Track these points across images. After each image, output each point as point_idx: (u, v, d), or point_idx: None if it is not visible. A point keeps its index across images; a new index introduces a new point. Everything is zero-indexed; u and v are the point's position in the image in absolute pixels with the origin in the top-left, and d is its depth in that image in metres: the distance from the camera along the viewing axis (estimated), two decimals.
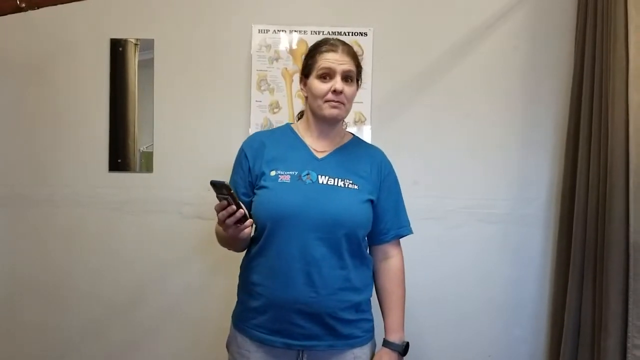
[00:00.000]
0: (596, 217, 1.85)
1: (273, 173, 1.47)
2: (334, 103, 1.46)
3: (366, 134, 2.12)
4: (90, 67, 2.15)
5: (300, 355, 1.47)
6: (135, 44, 2.16)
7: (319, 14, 2.13)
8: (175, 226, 2.16)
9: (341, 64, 1.45)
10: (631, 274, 1.68)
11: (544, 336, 2.16)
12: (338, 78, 1.45)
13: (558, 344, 2.02)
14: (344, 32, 2.11)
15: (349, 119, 2.11)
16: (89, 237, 2.18)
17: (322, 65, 1.46)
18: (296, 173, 1.46)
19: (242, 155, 1.55)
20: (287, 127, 1.61)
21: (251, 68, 2.13)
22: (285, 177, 1.45)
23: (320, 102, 1.47)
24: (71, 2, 1.75)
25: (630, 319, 1.68)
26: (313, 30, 2.11)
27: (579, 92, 1.99)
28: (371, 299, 1.57)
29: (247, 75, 2.14)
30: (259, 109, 2.14)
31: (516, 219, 2.15)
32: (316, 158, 1.51)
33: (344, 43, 1.50)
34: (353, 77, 1.49)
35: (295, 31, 2.12)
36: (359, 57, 1.54)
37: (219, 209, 1.35)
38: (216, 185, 1.30)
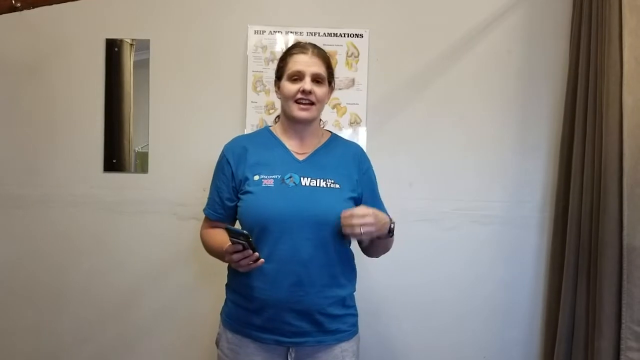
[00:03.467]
0: (590, 219, 1.86)
1: (257, 178, 1.51)
2: (303, 105, 1.51)
3: (361, 136, 2.13)
4: (86, 67, 2.15)
5: (290, 351, 1.51)
6: (131, 44, 2.15)
7: (315, 15, 2.13)
8: (170, 227, 2.16)
9: (310, 66, 1.51)
10: (625, 275, 1.69)
11: (538, 337, 2.17)
12: (307, 79, 1.50)
13: (552, 346, 2.03)
14: (340, 34, 2.11)
15: (344, 120, 2.12)
16: (83, 237, 2.17)
17: (292, 68, 1.52)
18: (279, 176, 1.50)
19: (223, 161, 1.58)
20: (266, 130, 1.64)
21: (247, 69, 2.13)
22: (269, 182, 1.49)
23: (290, 103, 1.52)
24: (67, 1, 1.74)
25: (624, 320, 1.69)
26: (309, 31, 2.11)
27: (573, 95, 2.00)
28: (355, 294, 1.61)
29: (243, 76, 2.14)
30: (254, 110, 2.14)
31: (511, 220, 2.15)
32: (297, 160, 1.55)
33: (314, 46, 1.56)
34: (323, 78, 1.53)
35: (291, 32, 2.12)
36: (332, 61, 1.61)
37: (231, 251, 1.39)
38: (233, 232, 1.34)
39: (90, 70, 2.15)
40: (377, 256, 1.64)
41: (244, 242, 1.35)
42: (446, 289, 2.16)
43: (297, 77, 1.51)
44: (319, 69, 1.52)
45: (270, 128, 1.64)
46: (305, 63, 1.50)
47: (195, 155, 2.14)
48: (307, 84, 1.49)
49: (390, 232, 1.49)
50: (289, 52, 1.56)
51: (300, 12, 2.14)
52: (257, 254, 1.38)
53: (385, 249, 1.60)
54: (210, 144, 2.11)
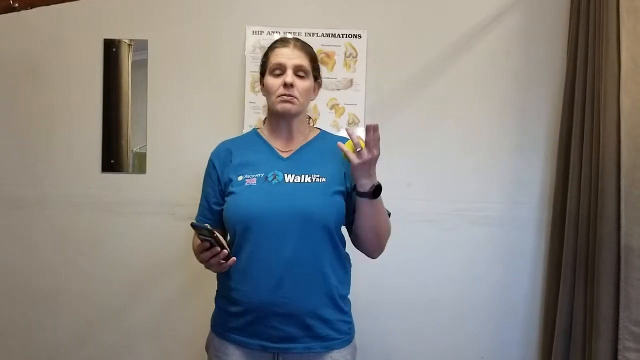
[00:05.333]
0: (588, 220, 1.86)
1: (240, 178, 1.48)
2: (285, 97, 1.47)
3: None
4: (84, 68, 2.15)
5: (276, 358, 1.46)
6: (129, 45, 2.15)
7: (313, 15, 2.13)
8: (168, 227, 2.15)
9: (292, 59, 1.47)
10: (622, 276, 1.69)
11: (536, 338, 2.17)
12: (289, 72, 1.46)
13: (550, 346, 2.03)
14: (338, 34, 2.11)
15: (342, 121, 2.12)
16: (81, 238, 2.17)
17: (273, 61, 1.49)
18: (262, 175, 1.47)
19: (210, 165, 1.57)
20: (253, 132, 1.62)
21: (245, 69, 2.13)
22: (252, 181, 1.46)
23: (273, 97, 1.49)
24: (65, 2, 1.74)
25: (621, 321, 1.70)
26: (307, 32, 2.11)
27: (571, 95, 2.00)
28: (350, 298, 1.56)
29: (241, 77, 2.14)
30: (252, 110, 2.13)
31: (508, 221, 2.15)
32: (281, 158, 1.52)
33: (298, 39, 1.53)
34: (306, 71, 1.50)
35: (289, 33, 2.12)
36: (315, 54, 1.56)
37: (200, 250, 1.37)
38: (197, 228, 1.31)
39: (88, 70, 2.14)
40: (372, 248, 1.51)
41: (210, 239, 1.32)
42: (444, 290, 2.16)
43: (279, 70, 1.48)
44: (302, 61, 1.48)
45: (258, 130, 1.61)
46: (286, 56, 1.47)
47: (193, 156, 2.13)
48: (288, 77, 1.45)
49: (375, 192, 1.40)
50: (270, 47, 1.53)
51: (298, 12, 2.13)
52: (225, 251, 1.34)
53: (376, 228, 1.47)
54: (208, 144, 2.10)
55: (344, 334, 1.50)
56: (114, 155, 2.16)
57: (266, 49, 1.56)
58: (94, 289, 2.18)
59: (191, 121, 2.15)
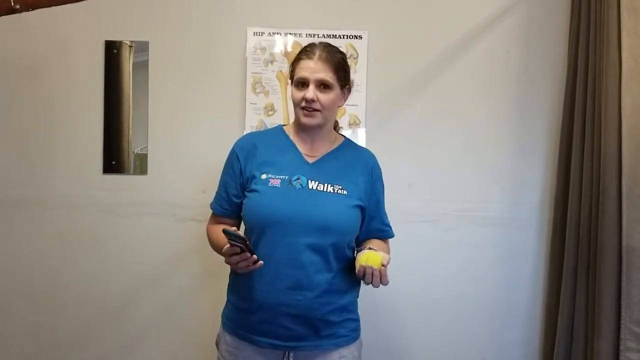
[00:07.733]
0: (589, 220, 1.86)
1: (264, 176, 1.49)
2: (306, 111, 1.48)
3: (361, 137, 2.13)
4: (85, 69, 2.15)
5: (287, 355, 1.49)
6: (130, 46, 2.15)
7: (314, 16, 2.13)
8: (169, 229, 2.16)
9: (314, 72, 1.47)
10: (624, 277, 1.69)
11: (538, 339, 2.17)
12: (311, 87, 1.47)
13: (551, 347, 2.03)
14: (339, 35, 2.12)
15: (343, 121, 2.12)
16: (82, 239, 2.17)
17: (298, 74, 1.50)
18: (287, 177, 1.48)
19: (233, 157, 1.57)
20: (279, 129, 1.62)
21: (246, 70, 2.13)
22: (276, 182, 1.48)
23: (297, 109, 1.51)
24: (66, 3, 1.74)
25: (623, 322, 1.69)
26: (308, 33, 2.12)
27: (572, 95, 2.00)
28: (358, 299, 1.59)
29: (242, 78, 2.14)
30: (253, 112, 2.14)
31: (509, 222, 2.15)
32: (307, 163, 1.53)
33: (323, 48, 1.50)
34: (329, 84, 1.48)
35: (290, 34, 2.12)
36: (344, 61, 1.54)
37: (230, 253, 1.38)
38: (231, 235, 1.33)
39: (90, 72, 2.15)
40: None
41: (241, 245, 1.35)
42: (445, 290, 2.15)
43: (303, 83, 1.48)
44: (325, 75, 1.47)
45: (284, 127, 1.62)
46: (310, 69, 1.47)
47: (194, 157, 2.14)
48: (309, 93, 1.46)
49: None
50: (297, 57, 1.53)
51: (299, 13, 2.14)
52: (255, 257, 1.37)
53: None
54: (209, 145, 2.12)
55: (352, 331, 1.55)
56: (115, 157, 2.17)
57: (288, 55, 1.61)
58: (94, 290, 2.18)
59: (192, 122, 2.15)
